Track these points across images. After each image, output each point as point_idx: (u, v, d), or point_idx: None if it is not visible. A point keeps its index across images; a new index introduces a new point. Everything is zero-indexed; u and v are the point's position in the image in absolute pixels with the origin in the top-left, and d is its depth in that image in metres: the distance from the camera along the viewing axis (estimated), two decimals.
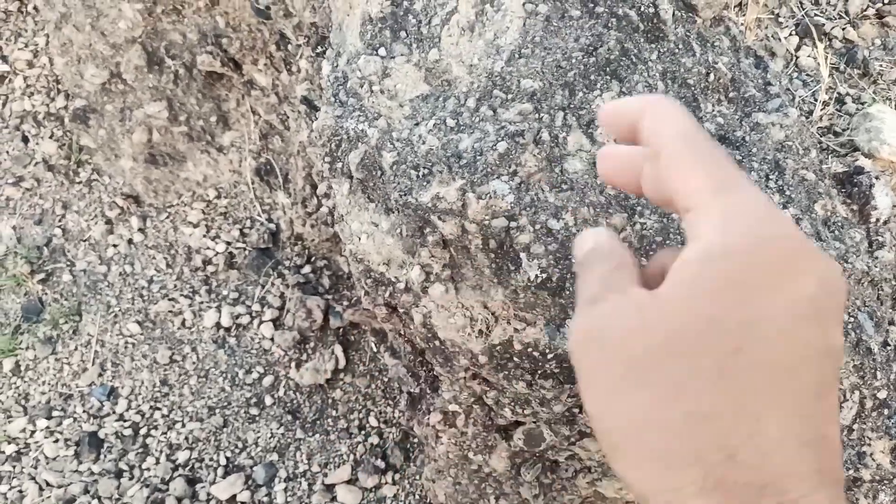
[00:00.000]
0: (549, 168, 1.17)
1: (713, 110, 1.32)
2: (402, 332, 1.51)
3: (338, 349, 2.11)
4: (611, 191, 1.19)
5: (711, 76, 1.33)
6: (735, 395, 0.37)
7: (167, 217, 2.31)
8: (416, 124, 1.27)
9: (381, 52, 1.34)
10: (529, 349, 1.22)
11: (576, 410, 1.35)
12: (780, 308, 0.38)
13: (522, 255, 1.16)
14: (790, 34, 1.76)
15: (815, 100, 1.59)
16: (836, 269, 0.40)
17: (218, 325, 2.16)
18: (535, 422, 1.40)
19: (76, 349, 2.14)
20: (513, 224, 1.16)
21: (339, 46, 1.43)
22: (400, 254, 1.28)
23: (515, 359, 1.24)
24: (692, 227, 0.42)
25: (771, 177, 1.28)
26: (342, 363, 2.11)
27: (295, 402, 2.09)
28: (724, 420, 0.37)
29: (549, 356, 1.21)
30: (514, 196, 1.16)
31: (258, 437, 2.04)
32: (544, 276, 1.15)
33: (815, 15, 1.71)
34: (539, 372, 1.24)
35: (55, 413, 2.07)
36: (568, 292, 1.17)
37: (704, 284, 0.39)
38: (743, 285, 0.38)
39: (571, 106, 1.26)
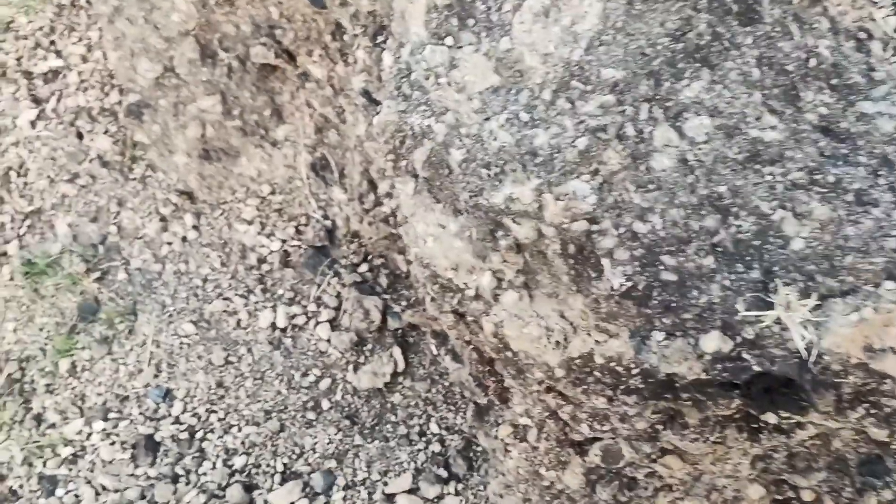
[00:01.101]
0: (634, 166, 1.07)
1: (814, 99, 1.20)
2: (469, 341, 1.43)
3: (396, 351, 2.04)
4: (703, 190, 1.08)
5: (812, 61, 1.21)
6: None
7: (221, 214, 2.27)
8: (487, 119, 1.17)
9: (448, 41, 1.24)
10: (612, 363, 1.12)
11: (659, 427, 1.24)
12: None
13: (605, 261, 1.06)
14: (887, 15, 1.61)
15: None
16: None
17: (273, 326, 2.10)
18: (613, 438, 1.31)
19: (132, 349, 2.11)
20: (594, 227, 1.06)
21: (401, 36, 1.35)
22: (469, 258, 1.19)
23: (596, 373, 1.15)
24: None
25: (880, 173, 1.16)
26: (401, 366, 2.03)
27: (353, 406, 2.02)
28: None
29: (634, 371, 1.11)
30: (595, 197, 1.06)
31: (315, 443, 1.98)
32: (629, 283, 1.05)
33: None
34: (622, 387, 1.14)
35: (111, 415, 2.04)
36: (655, 302, 1.06)
37: None
38: None
39: (657, 97, 1.15)
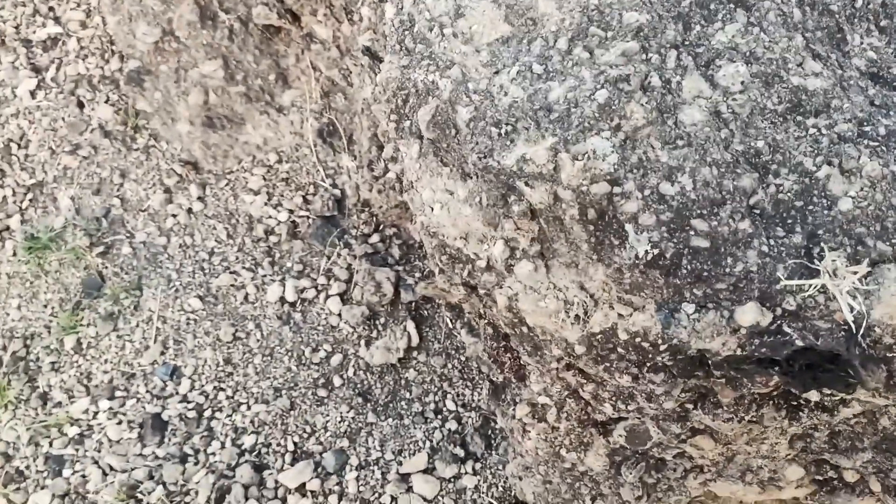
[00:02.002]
0: (661, 120, 0.96)
1: (862, 42, 1.08)
2: (482, 314, 1.33)
3: (410, 325, 1.95)
4: (738, 146, 0.97)
5: (859, 1, 1.09)
6: None
7: (227, 184, 2.18)
8: (496, 73, 1.07)
9: None
10: (637, 339, 1.02)
11: (689, 406, 1.15)
12: None
13: (628, 226, 0.96)
14: None
15: None
16: None
17: (282, 300, 2.02)
18: (639, 418, 1.21)
19: (137, 326, 2.04)
20: (616, 189, 0.96)
21: None
22: (480, 226, 1.09)
23: (619, 349, 1.05)
24: None
25: None
26: (415, 341, 1.94)
27: (365, 383, 1.94)
28: None
29: (662, 347, 1.01)
30: (617, 155, 0.96)
31: (327, 422, 1.90)
32: (655, 251, 0.95)
33: None
34: (648, 365, 1.05)
35: (118, 393, 1.98)
36: (685, 271, 0.96)
37: None
38: None
39: (687, 43, 1.04)
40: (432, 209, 1.14)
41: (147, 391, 1.97)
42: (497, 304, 1.13)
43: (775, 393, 1.10)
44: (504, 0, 1.11)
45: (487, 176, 1.05)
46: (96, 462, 1.89)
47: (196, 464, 1.87)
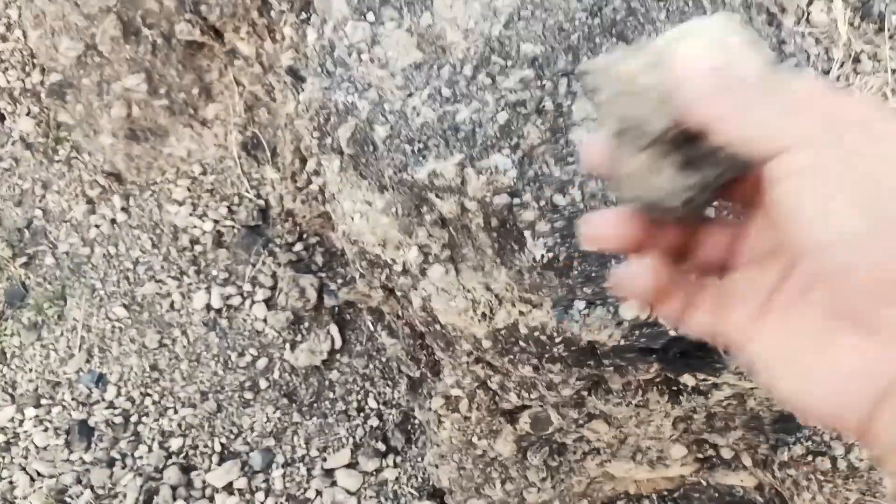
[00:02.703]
0: (554, 139, 1.09)
1: None
2: (400, 315, 1.44)
3: (333, 329, 2.04)
4: None
5: None
6: None
7: (151, 195, 2.23)
8: (410, 95, 1.18)
9: (370, 17, 1.24)
10: (536, 332, 1.15)
11: (584, 393, 1.28)
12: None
13: (527, 233, 1.08)
14: None
15: (830, 58, 1.50)
16: None
17: (208, 307, 2.08)
18: (541, 405, 1.34)
19: (62, 335, 2.07)
20: (516, 200, 1.08)
21: (324, 12, 1.34)
22: (396, 234, 1.20)
23: (521, 342, 1.17)
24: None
25: None
26: (338, 343, 2.04)
27: (291, 384, 2.02)
28: None
29: (558, 339, 1.14)
30: (516, 170, 1.08)
31: (254, 422, 1.98)
32: (550, 255, 1.08)
33: None
34: (546, 356, 1.18)
35: (43, 401, 2.00)
36: (576, 272, 1.10)
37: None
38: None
39: (576, 71, 1.17)
40: (353, 219, 1.24)
41: (73, 398, 2.00)
42: (413, 304, 1.25)
43: (657, 379, 1.25)
44: (416, 29, 1.22)
45: (402, 188, 1.16)
46: (23, 468, 1.91)
47: (123, 467, 1.91)
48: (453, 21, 1.19)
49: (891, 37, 1.55)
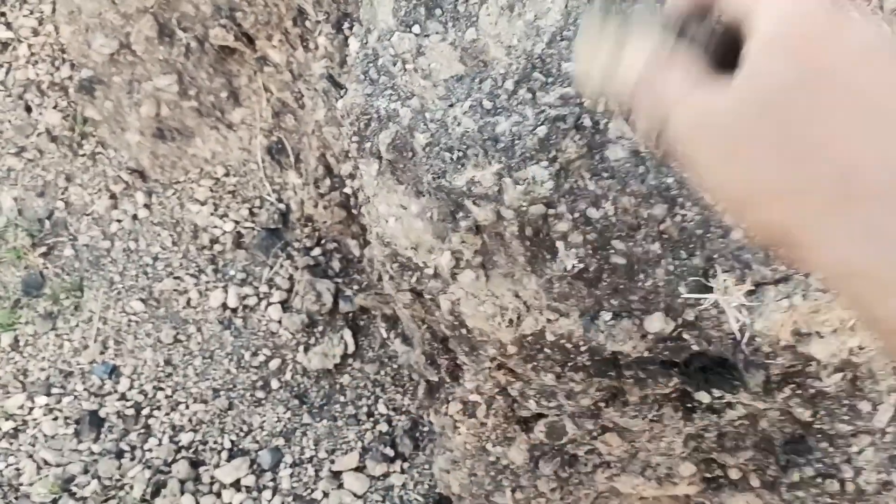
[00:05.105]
0: (590, 155, 1.14)
1: None
2: (423, 319, 1.48)
3: (347, 334, 2.07)
4: (652, 181, 1.15)
5: None
6: None
7: (174, 193, 2.26)
8: (451, 105, 1.23)
9: (416, 29, 1.29)
10: (562, 340, 1.18)
11: (602, 405, 1.32)
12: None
13: (559, 243, 1.12)
14: None
15: None
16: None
17: (224, 306, 2.11)
18: (558, 415, 1.37)
19: (77, 325, 2.10)
20: (551, 211, 1.12)
21: (369, 23, 1.39)
22: (429, 238, 1.24)
23: (546, 350, 1.21)
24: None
25: None
26: (351, 348, 2.07)
27: (302, 386, 2.05)
28: None
29: (583, 348, 1.18)
30: (553, 182, 1.12)
31: (264, 421, 2.00)
32: (581, 266, 1.12)
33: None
34: (570, 364, 1.21)
35: (54, 390, 2.02)
36: (604, 283, 1.13)
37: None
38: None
39: None
40: (387, 221, 1.28)
41: (84, 389, 2.02)
42: (441, 307, 1.28)
43: (674, 395, 1.28)
44: (460, 43, 1.27)
45: (439, 194, 1.20)
46: (31, 456, 1.93)
47: (132, 459, 1.93)
48: (497, 37, 1.24)
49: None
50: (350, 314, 2.10)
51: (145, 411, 1.99)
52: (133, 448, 1.94)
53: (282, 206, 2.21)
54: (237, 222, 2.20)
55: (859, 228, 0.43)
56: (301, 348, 2.07)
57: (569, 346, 1.18)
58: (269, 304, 2.11)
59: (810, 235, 0.46)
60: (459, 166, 1.17)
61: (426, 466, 1.94)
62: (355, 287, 2.09)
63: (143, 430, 1.97)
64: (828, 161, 0.44)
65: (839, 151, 0.44)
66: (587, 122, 1.16)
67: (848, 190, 0.43)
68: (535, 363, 1.23)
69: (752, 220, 0.49)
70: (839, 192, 0.44)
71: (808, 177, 0.45)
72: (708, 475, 1.48)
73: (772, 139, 0.45)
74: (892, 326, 0.44)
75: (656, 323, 1.12)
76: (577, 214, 1.11)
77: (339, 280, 2.12)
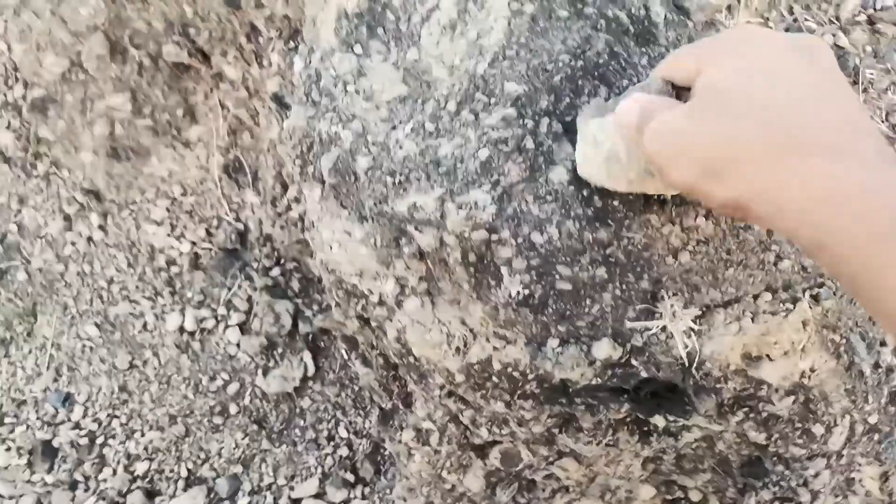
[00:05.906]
0: (533, 178, 1.11)
1: None
2: (374, 345, 1.44)
3: (307, 356, 2.03)
4: (598, 203, 1.12)
5: None
6: None
7: (129, 214, 2.21)
8: (393, 128, 1.19)
9: (357, 49, 1.26)
10: (509, 369, 1.15)
11: (555, 431, 1.29)
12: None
13: (503, 269, 1.09)
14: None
15: None
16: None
17: (181, 329, 2.07)
18: (512, 441, 1.34)
19: (30, 352, 2.04)
20: (494, 237, 1.09)
21: (312, 42, 1.35)
22: (374, 265, 1.20)
23: (494, 378, 1.18)
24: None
25: None
26: (311, 370, 2.03)
27: (261, 410, 2.01)
28: None
29: (530, 376, 1.14)
30: (495, 207, 1.09)
31: (222, 448, 1.95)
32: (526, 292, 1.09)
33: (806, 20, 1.66)
34: (518, 392, 1.18)
35: (7, 420, 1.97)
36: (550, 310, 1.10)
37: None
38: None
39: (557, 111, 1.19)
40: (331, 248, 1.25)
41: (38, 418, 1.97)
42: (387, 335, 1.25)
43: (628, 419, 1.25)
44: (402, 63, 1.24)
45: (382, 220, 1.16)
46: None
47: (86, 490, 1.88)
48: (439, 57, 1.21)
49: (864, 90, 1.59)
50: (310, 335, 2.06)
51: (100, 440, 1.94)
52: (87, 479, 1.89)
53: (240, 225, 2.16)
54: (194, 243, 2.15)
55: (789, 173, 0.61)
56: (260, 371, 2.02)
57: (516, 374, 1.14)
58: (228, 326, 2.07)
59: (758, 185, 0.63)
60: (402, 191, 1.14)
61: (387, 491, 1.90)
62: (315, 308, 2.05)
63: (97, 460, 1.92)
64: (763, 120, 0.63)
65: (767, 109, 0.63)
66: (530, 143, 1.13)
67: (778, 139, 0.61)
68: (483, 391, 1.20)
69: (715, 191, 0.68)
70: (773, 141, 0.61)
71: (749, 133, 0.63)
72: (669, 497, 1.46)
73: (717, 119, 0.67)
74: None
75: (604, 349, 1.09)
76: (520, 240, 1.08)
77: (299, 301, 2.08)
